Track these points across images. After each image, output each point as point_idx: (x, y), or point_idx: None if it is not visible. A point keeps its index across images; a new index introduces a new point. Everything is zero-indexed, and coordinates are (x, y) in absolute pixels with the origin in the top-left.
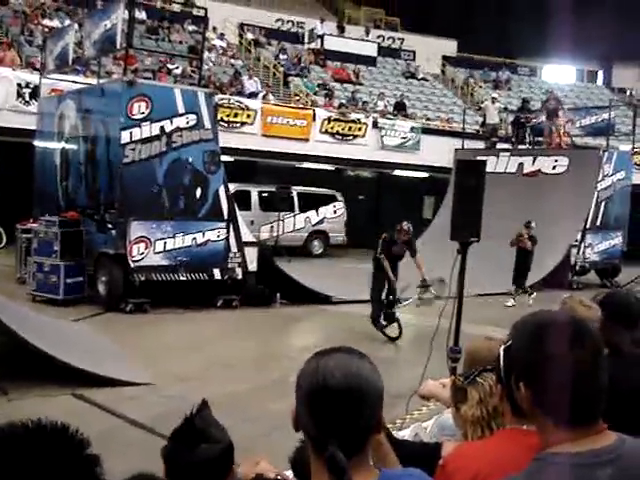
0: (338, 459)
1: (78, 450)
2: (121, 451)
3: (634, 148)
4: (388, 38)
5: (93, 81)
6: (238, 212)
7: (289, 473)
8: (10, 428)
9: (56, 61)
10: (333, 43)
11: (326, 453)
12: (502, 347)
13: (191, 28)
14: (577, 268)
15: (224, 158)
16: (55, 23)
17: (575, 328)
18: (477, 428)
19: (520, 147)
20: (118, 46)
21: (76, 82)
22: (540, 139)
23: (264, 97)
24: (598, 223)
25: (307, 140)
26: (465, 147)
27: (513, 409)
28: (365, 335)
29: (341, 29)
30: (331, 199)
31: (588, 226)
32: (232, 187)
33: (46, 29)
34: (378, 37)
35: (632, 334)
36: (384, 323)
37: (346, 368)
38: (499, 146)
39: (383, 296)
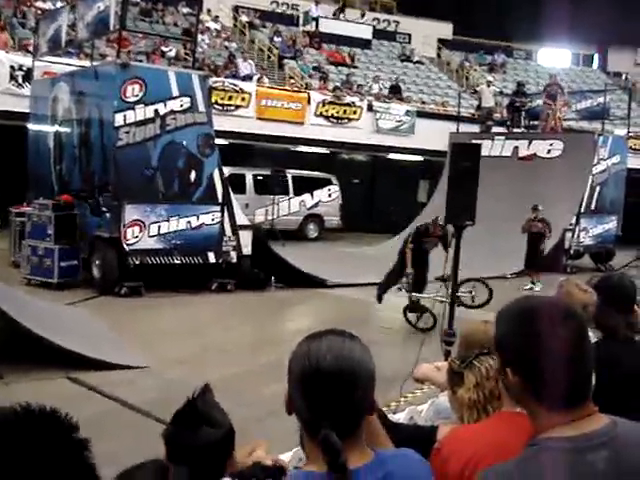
0: (332, 441)
1: (67, 434)
2: (116, 434)
3: (629, 132)
4: (383, 21)
5: (86, 63)
6: (233, 195)
7: (285, 457)
8: None
9: (49, 43)
10: (328, 26)
11: (320, 435)
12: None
13: (185, 10)
14: (571, 252)
15: (218, 141)
16: (48, 5)
17: (558, 311)
18: (473, 411)
19: (515, 131)
20: (111, 28)
21: (69, 65)
22: (536, 123)
23: (259, 80)
24: (593, 207)
25: (302, 123)
26: (460, 131)
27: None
28: (360, 318)
29: (340, 11)
30: (326, 182)
31: (583, 210)
32: (227, 170)
33: (39, 11)
34: (373, 20)
35: (627, 318)
36: (413, 315)
37: (337, 350)
38: (494, 130)
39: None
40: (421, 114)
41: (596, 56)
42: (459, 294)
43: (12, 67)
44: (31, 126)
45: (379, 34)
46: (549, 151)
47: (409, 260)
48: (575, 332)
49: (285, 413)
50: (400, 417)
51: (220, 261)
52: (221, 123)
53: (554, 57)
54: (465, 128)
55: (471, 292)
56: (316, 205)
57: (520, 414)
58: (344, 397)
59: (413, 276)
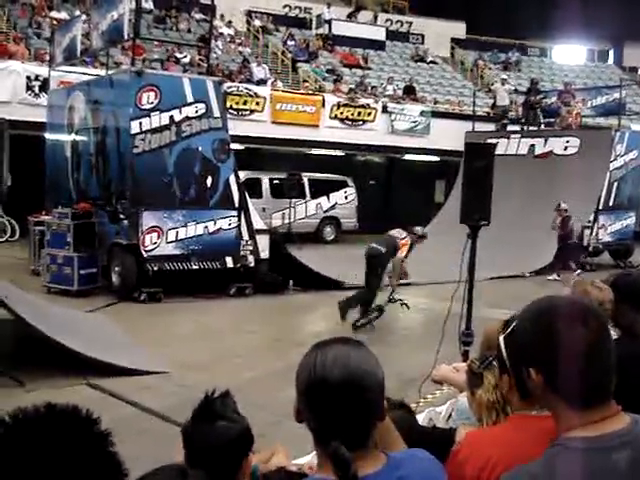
0: (341, 454)
1: (88, 427)
2: (136, 439)
3: None
4: (396, 22)
5: (102, 72)
6: (249, 200)
7: (302, 460)
8: (21, 411)
9: (64, 53)
10: (341, 28)
11: (329, 448)
12: (502, 336)
13: (198, 16)
14: (590, 249)
15: (234, 146)
16: (63, 15)
17: (578, 309)
18: (492, 412)
19: (531, 129)
20: (126, 36)
21: (85, 74)
22: (552, 120)
23: (273, 84)
24: (611, 204)
25: (317, 126)
26: (476, 130)
27: (521, 395)
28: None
29: (354, 14)
30: (342, 185)
31: (601, 207)
32: (243, 175)
33: (54, 21)
34: (386, 21)
35: None
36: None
37: (344, 361)
38: (510, 128)
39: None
40: (436, 114)
41: (611, 52)
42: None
43: (28, 77)
44: (48, 135)
45: (392, 35)
46: (566, 148)
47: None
48: (597, 332)
49: None
50: (419, 419)
51: (238, 266)
52: (236, 128)
53: (569, 54)
54: (481, 127)
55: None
56: (333, 207)
57: (533, 417)
58: (353, 409)
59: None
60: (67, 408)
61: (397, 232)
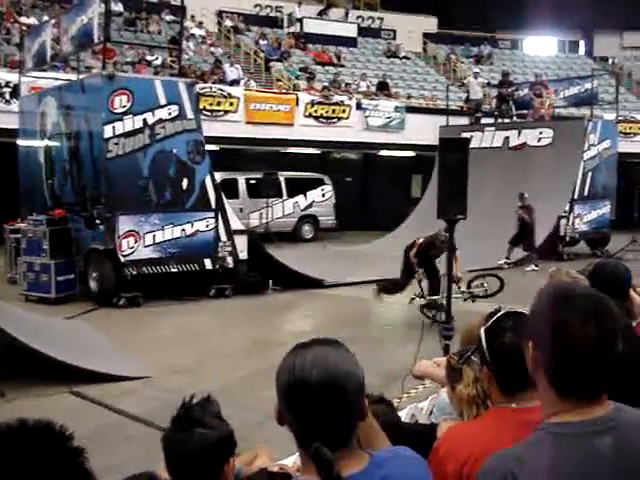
0: (323, 454)
1: (61, 443)
2: (121, 446)
3: (618, 116)
4: (368, 18)
5: (73, 77)
6: (226, 200)
7: (287, 461)
8: None
9: (34, 58)
10: (313, 26)
11: (310, 449)
12: (482, 329)
13: (169, 18)
14: (567, 239)
15: (209, 147)
16: (32, 20)
17: (593, 305)
18: (472, 407)
19: (505, 121)
20: (96, 40)
21: (56, 79)
22: (525, 112)
23: (246, 84)
24: (586, 193)
25: (292, 125)
26: (450, 124)
27: (500, 388)
28: (359, 316)
29: (324, 11)
30: (319, 183)
31: (576, 197)
32: (219, 176)
33: (23, 27)
34: (357, 17)
35: (623, 305)
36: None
37: (322, 363)
38: (484, 121)
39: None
40: (410, 109)
41: (582, 42)
42: (472, 289)
43: None
44: (21, 142)
45: (364, 32)
46: (539, 139)
47: (417, 267)
48: (603, 329)
49: None
50: (401, 415)
51: (217, 267)
52: (211, 129)
53: (540, 45)
54: (455, 121)
55: (483, 284)
56: (310, 206)
57: (513, 410)
58: (333, 410)
59: (428, 284)
60: (40, 424)
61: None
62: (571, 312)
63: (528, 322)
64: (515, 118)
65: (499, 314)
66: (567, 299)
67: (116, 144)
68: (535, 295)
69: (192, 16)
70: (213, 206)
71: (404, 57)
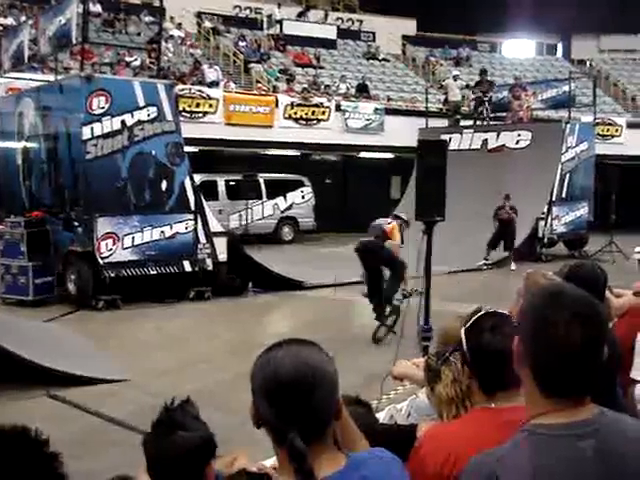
0: (297, 445)
1: (36, 448)
2: (100, 450)
3: (596, 119)
4: (347, 20)
5: (51, 78)
6: (205, 202)
7: (267, 462)
8: None
9: (12, 59)
10: (292, 28)
11: (286, 441)
12: (463, 329)
13: (148, 19)
14: (545, 240)
15: (188, 149)
16: (9, 21)
17: (583, 307)
18: (452, 407)
19: (483, 123)
20: (74, 41)
21: (33, 80)
22: (503, 114)
23: (225, 85)
24: (564, 195)
25: (271, 126)
26: (429, 126)
27: (482, 388)
28: (337, 318)
29: (304, 13)
30: (298, 184)
31: (554, 198)
32: (198, 178)
33: (0, 27)
34: (337, 19)
35: None
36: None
37: (295, 358)
38: (462, 123)
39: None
40: (389, 111)
41: (559, 45)
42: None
43: None
44: None
45: (343, 34)
46: (518, 142)
47: None
48: (588, 330)
49: None
50: (380, 416)
51: (196, 269)
52: (190, 131)
53: (518, 48)
54: (434, 123)
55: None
56: (290, 208)
57: (494, 409)
58: (304, 402)
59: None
60: (15, 430)
61: (381, 220)
62: (557, 310)
63: (517, 319)
64: (490, 120)
65: (479, 314)
66: (555, 297)
67: (94, 145)
68: (515, 295)
69: (171, 17)
70: (192, 208)
71: (383, 59)
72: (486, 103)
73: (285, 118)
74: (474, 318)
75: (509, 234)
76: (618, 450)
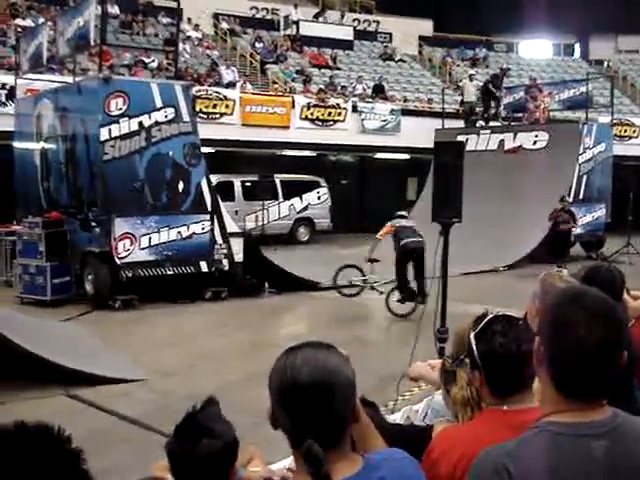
0: (314, 451)
1: (59, 445)
2: (117, 448)
3: (613, 120)
4: (364, 21)
5: (69, 79)
6: (222, 203)
7: (283, 463)
8: None
9: (30, 61)
10: (309, 29)
11: (303, 447)
12: (472, 333)
13: (165, 20)
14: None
15: (205, 150)
16: (28, 22)
17: (603, 307)
18: (467, 409)
19: (500, 124)
20: (92, 43)
21: (52, 81)
22: (519, 115)
23: (242, 86)
24: (581, 196)
25: (287, 127)
26: (446, 127)
27: (492, 392)
28: (353, 319)
29: (320, 14)
30: (314, 185)
31: (571, 200)
32: (214, 178)
33: (19, 29)
34: (354, 20)
35: None
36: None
37: (312, 362)
38: (480, 124)
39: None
40: (406, 112)
41: (577, 45)
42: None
43: None
44: (17, 144)
45: (360, 34)
46: (535, 142)
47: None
48: (606, 332)
49: None
50: (396, 417)
51: (212, 270)
52: (206, 131)
53: (535, 49)
54: (451, 124)
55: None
56: (306, 208)
57: (505, 411)
58: (323, 408)
59: None
60: (38, 427)
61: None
62: (576, 311)
63: (538, 319)
64: (500, 118)
65: (487, 318)
66: (575, 298)
67: (112, 147)
68: (530, 296)
69: (188, 19)
70: (209, 209)
71: (400, 60)
72: (498, 100)
73: (301, 119)
74: (483, 323)
75: (564, 238)
76: (630, 452)
